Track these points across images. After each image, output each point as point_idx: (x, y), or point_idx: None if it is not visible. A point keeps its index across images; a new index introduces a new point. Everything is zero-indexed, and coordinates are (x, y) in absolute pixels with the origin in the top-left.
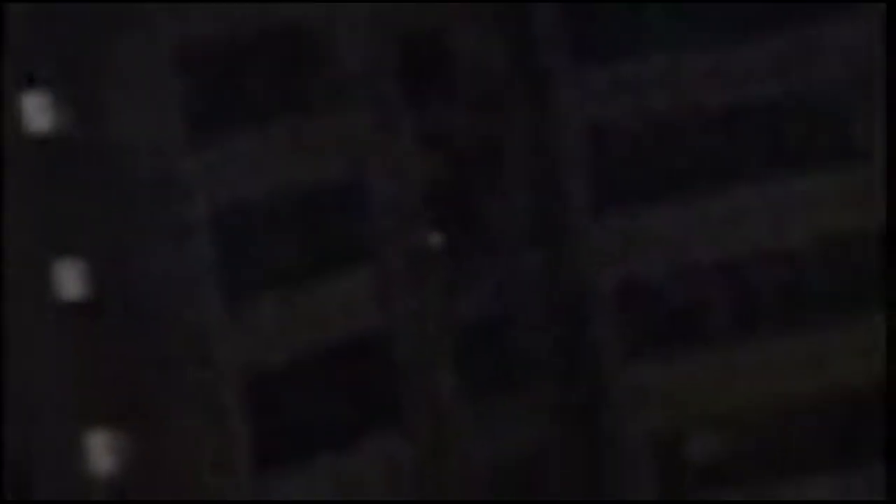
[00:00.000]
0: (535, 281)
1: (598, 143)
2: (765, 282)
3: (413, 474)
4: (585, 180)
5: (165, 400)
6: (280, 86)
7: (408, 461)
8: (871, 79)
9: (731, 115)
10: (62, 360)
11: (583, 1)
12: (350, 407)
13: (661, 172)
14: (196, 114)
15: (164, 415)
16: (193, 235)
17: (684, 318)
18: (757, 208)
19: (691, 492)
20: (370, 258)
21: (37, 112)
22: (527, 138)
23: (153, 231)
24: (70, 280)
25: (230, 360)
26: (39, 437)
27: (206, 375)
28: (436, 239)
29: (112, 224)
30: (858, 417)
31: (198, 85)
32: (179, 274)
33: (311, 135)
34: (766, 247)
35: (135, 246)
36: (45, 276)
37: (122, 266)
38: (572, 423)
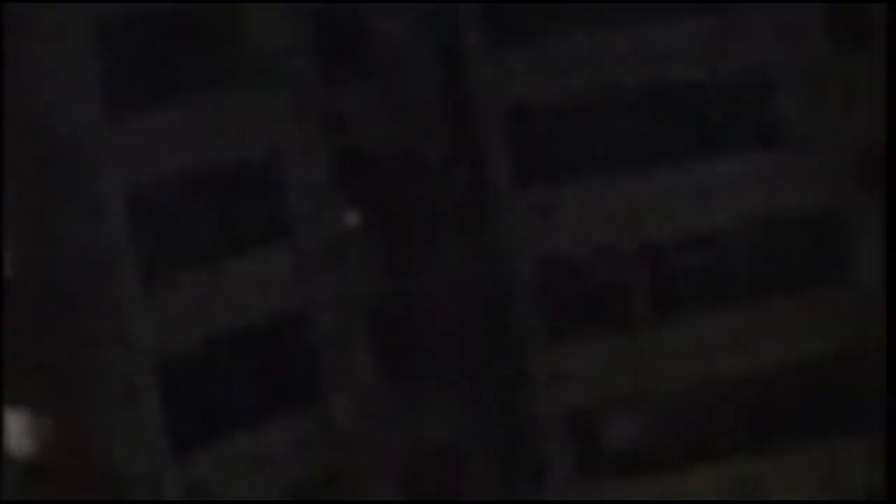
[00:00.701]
0: (455, 260)
1: (518, 122)
2: (687, 264)
3: (329, 456)
4: (506, 159)
5: (82, 380)
6: (198, 62)
7: (324, 443)
8: (795, 59)
9: (654, 96)
10: None
11: None
12: (267, 387)
13: (582, 153)
14: (113, 89)
15: (81, 395)
16: (110, 212)
17: (605, 299)
18: (679, 190)
19: (608, 475)
20: (287, 237)
21: None
22: (446, 118)
23: (69, 207)
24: None
25: (146, 339)
26: None
27: (121, 355)
28: (354, 218)
29: (28, 200)
30: (777, 400)
31: (115, 60)
32: (95, 251)
33: (228, 112)
34: (688, 229)
35: (51, 223)
36: None
37: (37, 243)
38: (492, 405)
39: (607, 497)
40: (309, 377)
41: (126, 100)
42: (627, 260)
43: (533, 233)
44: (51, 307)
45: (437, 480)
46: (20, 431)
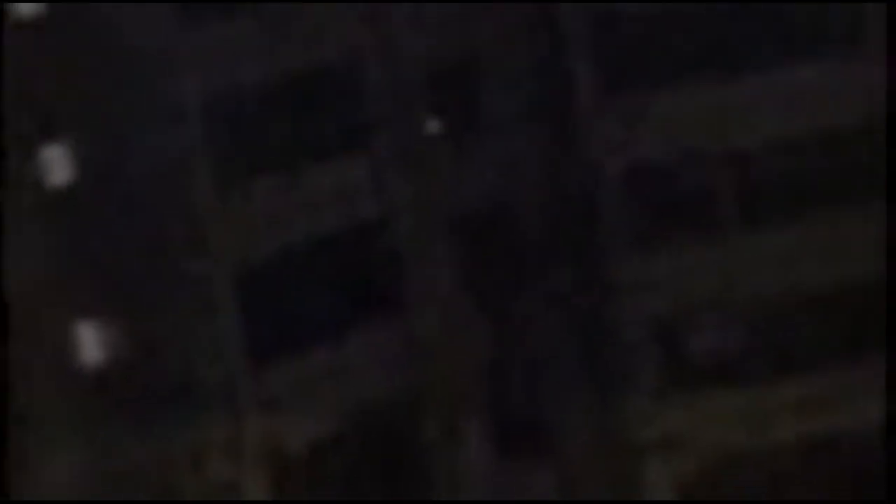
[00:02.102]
0: (540, 167)
1: (606, 27)
2: (772, 172)
3: (411, 366)
4: (592, 65)
5: (156, 289)
6: None
7: (406, 353)
8: None
9: (741, 2)
10: (50, 248)
11: None
12: (346, 299)
13: (669, 59)
14: None
15: (155, 305)
16: (186, 119)
17: (692, 206)
18: (766, 96)
19: (693, 386)
20: (366, 144)
21: None
22: (533, 22)
23: (144, 115)
24: (58, 164)
25: (223, 248)
26: (29, 329)
27: (197, 264)
28: (435, 124)
29: (102, 107)
30: (865, 311)
31: None
32: (171, 158)
33: (304, 17)
34: (775, 135)
35: (125, 130)
36: (33, 160)
37: (111, 150)
38: (578, 314)
39: (692, 409)
40: (389, 288)
41: (203, 5)
42: (714, 166)
43: (620, 140)
44: (124, 214)
45: (521, 393)
46: (92, 341)
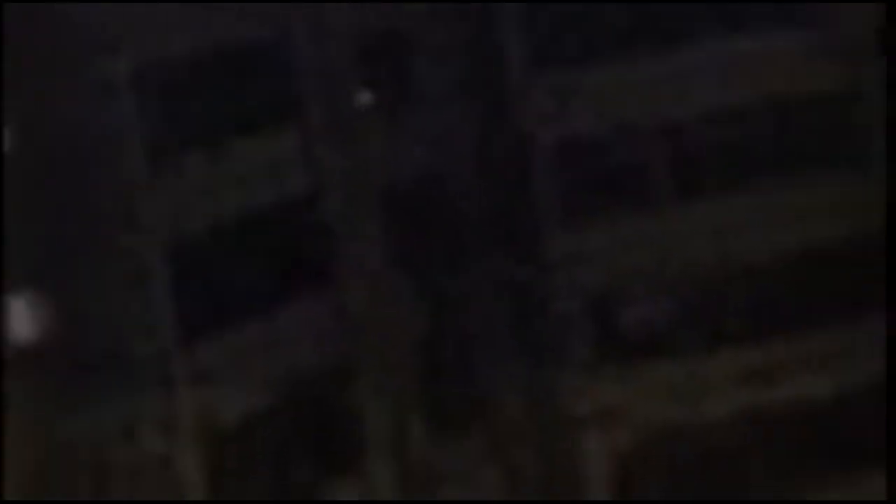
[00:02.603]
0: (472, 141)
1: (536, 4)
2: (708, 143)
3: (341, 339)
4: (524, 37)
5: (87, 263)
6: None
7: (337, 327)
8: None
9: None
10: None
11: None
12: (277, 271)
13: (601, 31)
14: None
15: (86, 278)
16: (116, 93)
17: (624, 179)
18: (699, 68)
19: (626, 359)
20: (297, 118)
21: None
22: None
23: (74, 88)
24: None
25: (154, 221)
26: None
27: (128, 237)
28: (366, 97)
29: (31, 80)
30: (799, 283)
31: None
32: (102, 131)
33: None
34: (708, 107)
35: (56, 100)
36: None
37: (41, 123)
38: (507, 284)
39: (625, 382)
40: (320, 261)
41: None
42: (648, 139)
43: (552, 113)
44: (56, 186)
45: (453, 367)
46: (22, 315)
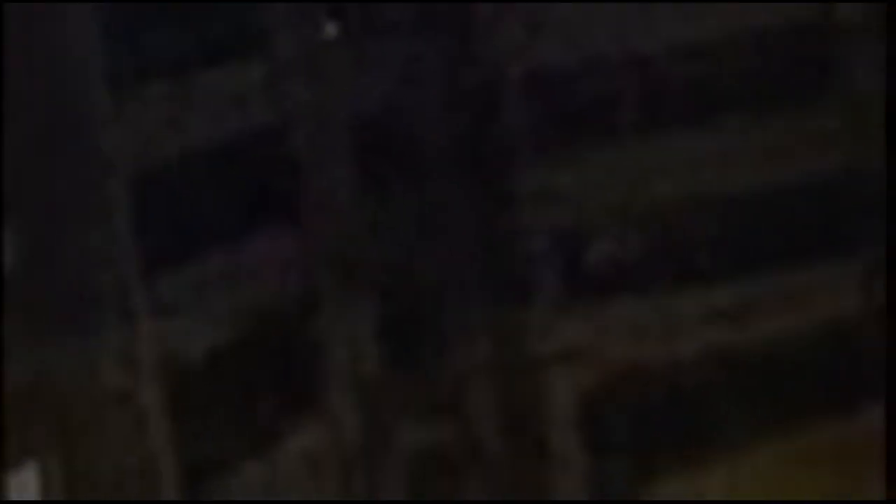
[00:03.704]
0: (439, 72)
1: None
2: (678, 76)
3: (306, 272)
4: None
5: (49, 195)
6: None
7: (302, 258)
8: None
9: None
10: None
11: None
12: (242, 203)
13: None
14: None
15: (48, 211)
16: (75, 18)
17: (593, 113)
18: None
19: (595, 296)
20: (264, 48)
21: None
22: None
23: (34, 18)
24: None
25: (117, 152)
26: None
27: (91, 168)
28: (333, 28)
29: None
30: (768, 219)
31: None
32: (60, 60)
33: None
34: (678, 39)
35: (14, 31)
36: None
37: None
38: (474, 220)
39: (592, 319)
40: (285, 194)
41: None
42: (617, 72)
43: (520, 45)
44: (16, 120)
45: (415, 302)
46: None
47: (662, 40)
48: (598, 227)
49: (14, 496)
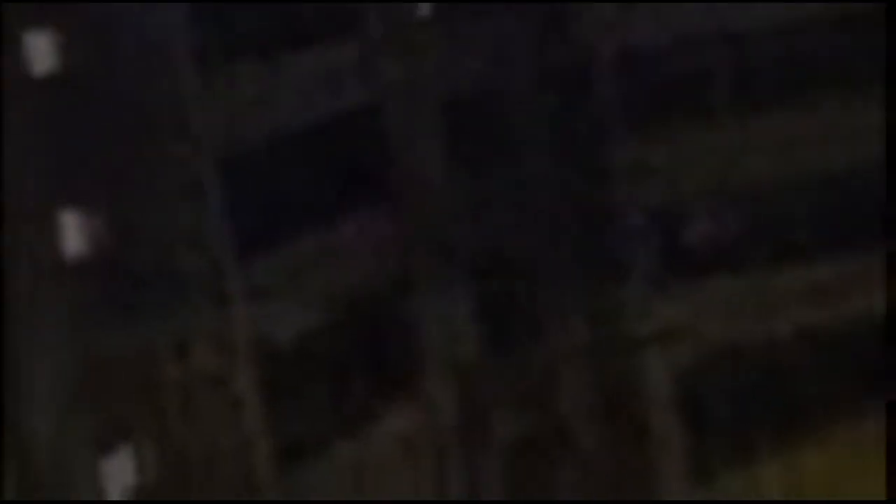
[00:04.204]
0: (530, 51)
1: None
2: (770, 54)
3: (399, 253)
4: None
5: (139, 176)
6: None
7: (394, 237)
8: None
9: None
10: (31, 135)
11: None
12: (334, 184)
13: None
14: None
15: (138, 192)
16: (167, 1)
17: (687, 90)
18: None
19: (691, 274)
20: (355, 28)
21: None
22: None
23: None
24: (42, 52)
25: (207, 133)
26: (12, 220)
27: (181, 149)
28: (425, 7)
29: None
30: (866, 197)
31: None
32: (153, 43)
33: None
34: (773, 17)
35: (106, 13)
36: (17, 48)
37: (93, 35)
38: (569, 200)
39: (689, 296)
40: (378, 173)
41: None
42: (710, 49)
43: (612, 20)
44: (107, 100)
45: (511, 282)
46: (76, 230)
47: (755, 18)
48: (693, 204)
49: (109, 479)
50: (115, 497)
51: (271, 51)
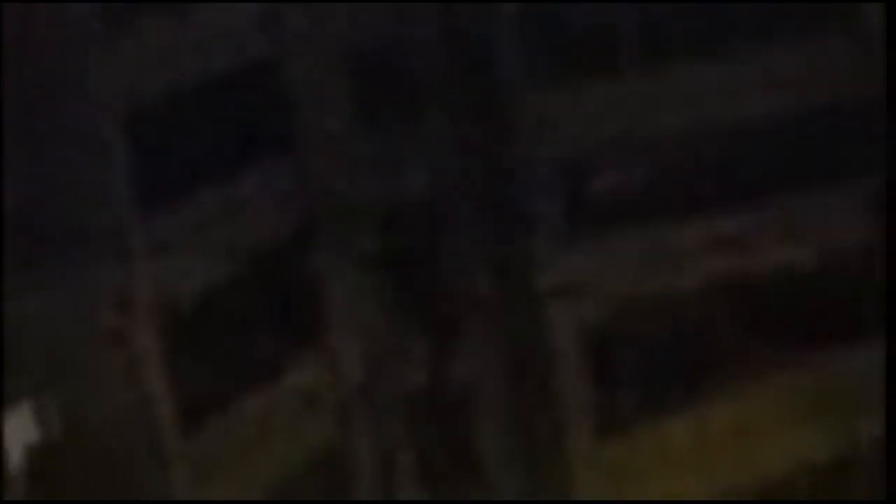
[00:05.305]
0: (435, 4)
1: None
2: (675, 5)
3: (300, 203)
4: None
5: (41, 133)
6: None
7: (296, 191)
8: None
9: None
10: None
11: None
12: (237, 138)
13: None
14: None
15: (40, 150)
16: None
17: (591, 43)
18: None
19: (597, 227)
20: None
21: None
22: None
23: None
24: None
25: (109, 89)
26: None
27: (83, 106)
28: None
29: None
30: (772, 149)
31: None
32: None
33: None
34: None
35: None
36: None
37: None
38: (474, 155)
39: (595, 249)
40: (281, 127)
41: None
42: (616, 2)
43: None
44: (6, 55)
45: (414, 236)
46: None
47: None
48: (599, 157)
49: (11, 435)
50: (16, 454)
51: (173, 4)
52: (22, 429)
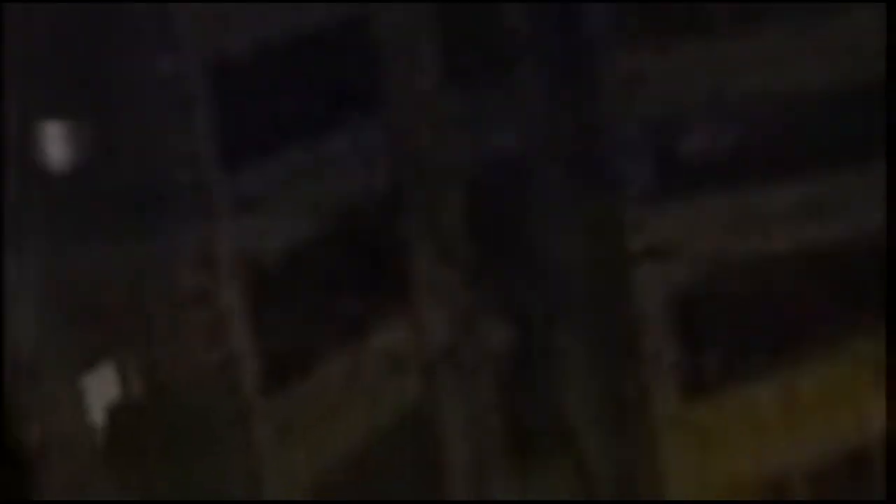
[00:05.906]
0: None
1: None
2: None
3: (389, 161)
4: None
5: (124, 88)
6: None
7: (385, 149)
8: None
9: None
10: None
11: None
12: (325, 95)
13: None
14: None
15: (123, 104)
16: None
17: (682, 1)
18: None
19: (685, 189)
20: None
21: None
22: None
23: None
24: None
25: (194, 44)
26: None
27: (168, 61)
28: None
29: None
30: (866, 113)
31: None
32: None
33: None
34: None
35: None
36: None
37: None
38: (564, 114)
39: (685, 211)
40: (369, 84)
41: None
42: None
43: None
44: (91, 9)
45: (503, 196)
46: (58, 143)
47: None
48: (689, 118)
49: (93, 395)
50: (98, 411)
51: None
52: (104, 388)
